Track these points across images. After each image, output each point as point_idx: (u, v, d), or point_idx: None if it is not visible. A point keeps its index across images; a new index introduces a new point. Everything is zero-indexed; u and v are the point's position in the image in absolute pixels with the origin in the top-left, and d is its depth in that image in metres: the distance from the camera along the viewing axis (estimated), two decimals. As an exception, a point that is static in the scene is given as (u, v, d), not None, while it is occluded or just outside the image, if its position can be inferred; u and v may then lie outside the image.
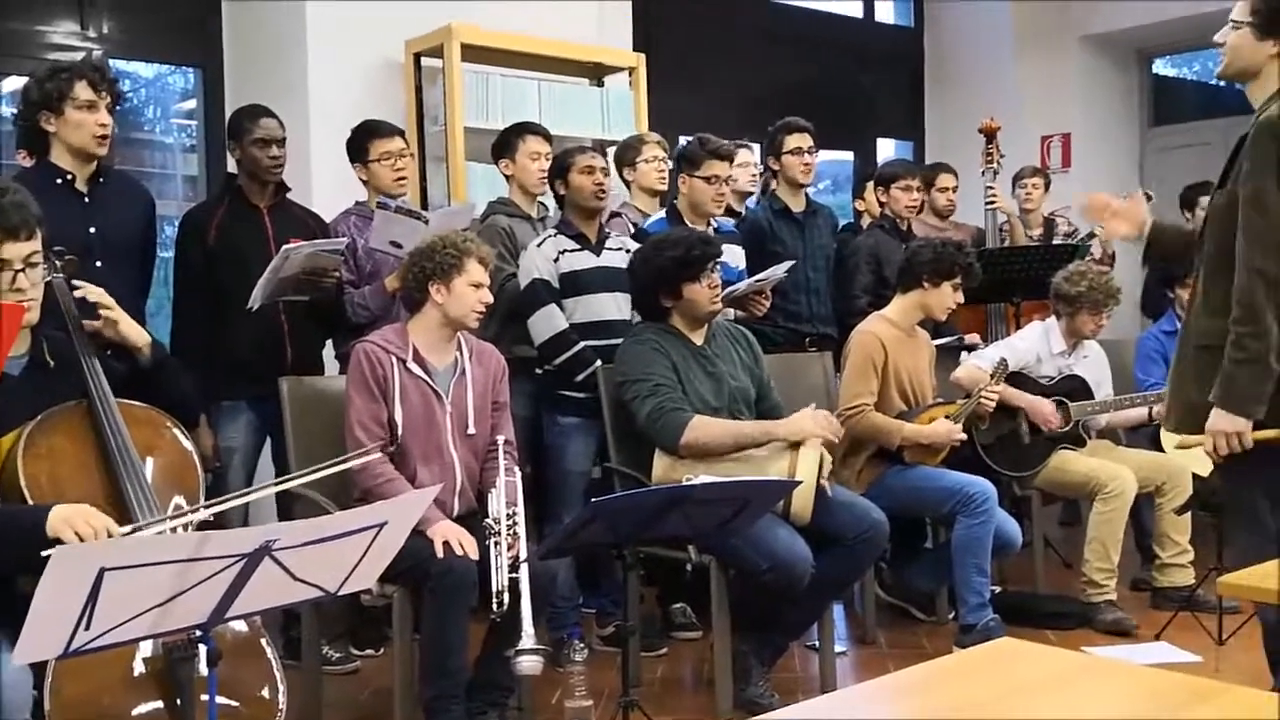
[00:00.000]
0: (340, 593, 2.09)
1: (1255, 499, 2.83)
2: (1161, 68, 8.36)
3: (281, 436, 3.59)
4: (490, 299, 3.38)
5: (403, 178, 4.19)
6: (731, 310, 4.29)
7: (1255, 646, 3.86)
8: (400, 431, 3.27)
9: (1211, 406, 2.78)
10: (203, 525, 2.46)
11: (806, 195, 4.98)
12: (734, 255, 4.39)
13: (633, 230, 4.43)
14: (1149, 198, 5.99)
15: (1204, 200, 6.27)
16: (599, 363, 3.91)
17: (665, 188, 4.66)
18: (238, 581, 1.90)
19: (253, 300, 3.62)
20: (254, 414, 3.91)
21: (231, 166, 4.10)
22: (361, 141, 4.19)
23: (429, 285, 3.31)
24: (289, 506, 3.61)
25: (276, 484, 2.66)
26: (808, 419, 3.55)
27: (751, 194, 5.35)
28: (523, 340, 4.04)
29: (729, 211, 4.93)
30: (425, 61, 5.00)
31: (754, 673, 3.56)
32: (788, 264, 4.41)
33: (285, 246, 3.58)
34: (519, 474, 3.35)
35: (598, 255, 4.07)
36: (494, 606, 2.99)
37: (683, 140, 4.56)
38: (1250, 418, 2.72)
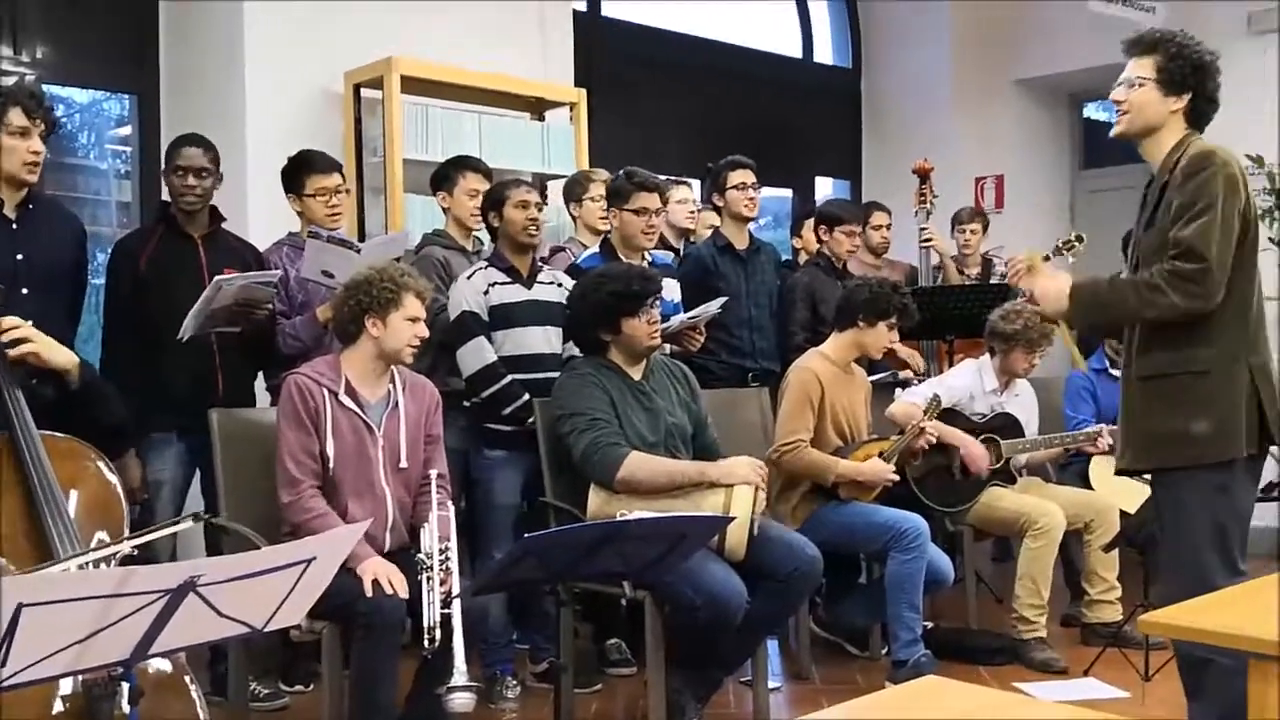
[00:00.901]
0: (267, 629, 2.06)
1: (1196, 538, 2.87)
2: (1092, 112, 8.55)
3: (211, 469, 3.54)
4: (426, 333, 3.36)
5: (337, 213, 4.16)
6: (666, 345, 4.30)
7: (1179, 682, 3.93)
8: (331, 465, 3.24)
9: (1170, 434, 2.87)
10: (128, 560, 2.41)
11: (750, 233, 5.02)
12: (669, 289, 4.41)
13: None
14: (1080, 240, 6.15)
15: None
16: (527, 396, 3.91)
17: (609, 226, 4.67)
18: (161, 618, 1.86)
19: (183, 331, 3.57)
20: (183, 446, 3.85)
21: (165, 194, 4.05)
22: (297, 174, 4.16)
23: (365, 318, 3.29)
24: (218, 541, 3.55)
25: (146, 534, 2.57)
26: (742, 465, 3.59)
27: (690, 230, 5.39)
28: (457, 372, 4.02)
29: (667, 248, 4.96)
30: (365, 93, 4.99)
31: (688, 709, 3.55)
32: (721, 300, 4.43)
33: (218, 278, 3.54)
34: (452, 508, 3.32)
35: (529, 289, 4.06)
36: (425, 643, 2.96)
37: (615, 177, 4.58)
38: (1062, 317, 3.01)
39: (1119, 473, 3.18)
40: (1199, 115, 2.97)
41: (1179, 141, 2.94)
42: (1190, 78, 2.92)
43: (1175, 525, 2.93)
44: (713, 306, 4.35)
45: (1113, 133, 3.06)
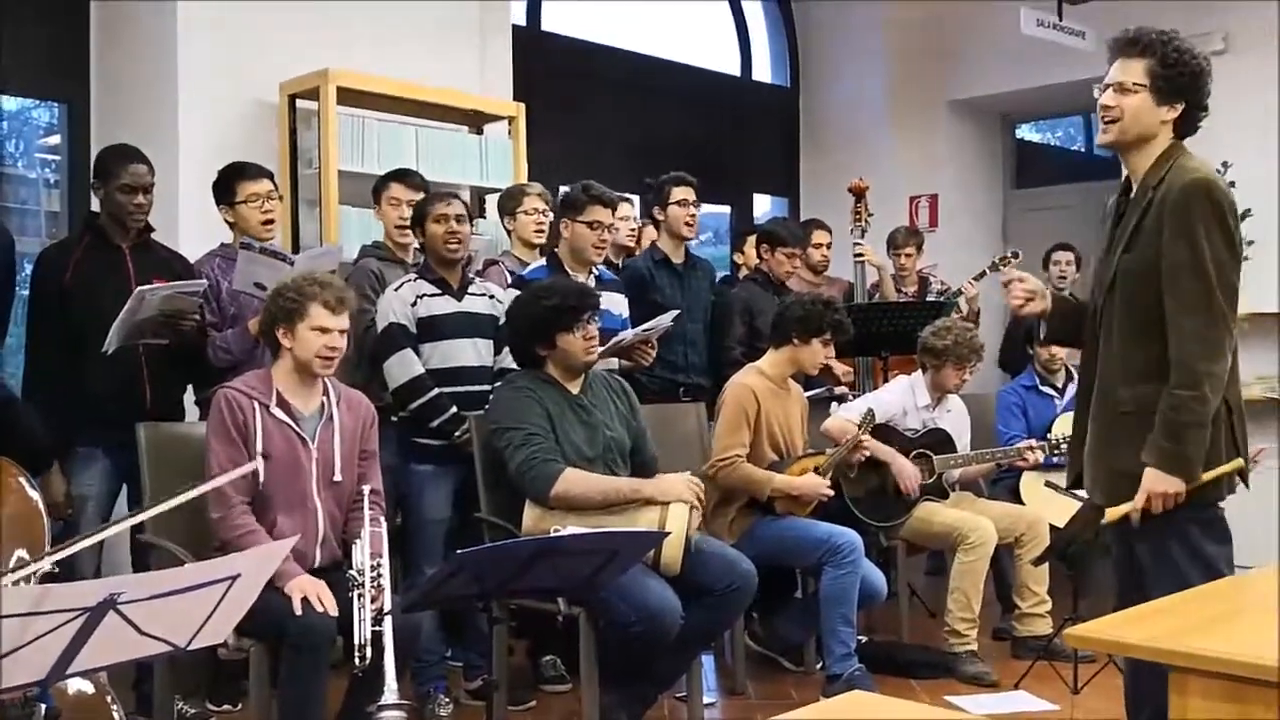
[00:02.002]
0: (191, 648, 2.02)
1: (1178, 553, 2.73)
2: (1025, 133, 8.70)
3: (138, 484, 3.47)
4: (338, 343, 3.26)
5: (270, 220, 4.11)
6: (616, 360, 4.29)
7: (1108, 695, 3.99)
8: (262, 477, 3.18)
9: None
10: (48, 577, 2.36)
11: (686, 248, 5.04)
12: (617, 304, 4.40)
13: (510, 279, 4.42)
14: (1016, 256, 6.29)
15: (1056, 256, 6.50)
16: (454, 409, 3.89)
17: (543, 240, 4.66)
18: (80, 636, 1.82)
19: (108, 343, 3.51)
20: (110, 461, 3.77)
21: (95, 204, 3.98)
22: (228, 183, 4.11)
23: (276, 330, 3.26)
24: (145, 558, 3.48)
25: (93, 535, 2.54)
26: (677, 482, 3.59)
27: (630, 247, 5.38)
28: (392, 388, 3.98)
29: (606, 264, 4.95)
30: (300, 104, 4.94)
31: (622, 725, 3.54)
32: (674, 313, 4.43)
33: (140, 288, 3.49)
34: (384, 524, 3.28)
35: (459, 301, 4.04)
36: (356, 660, 2.92)
37: (563, 190, 4.58)
38: (1192, 481, 2.66)
39: (1070, 488, 3.05)
40: (1189, 124, 2.76)
41: (1165, 153, 2.74)
42: (1187, 87, 2.71)
43: (1164, 562, 2.73)
44: (666, 319, 4.35)
45: (1100, 141, 2.81)
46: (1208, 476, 2.67)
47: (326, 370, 3.28)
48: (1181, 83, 2.70)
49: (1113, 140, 2.78)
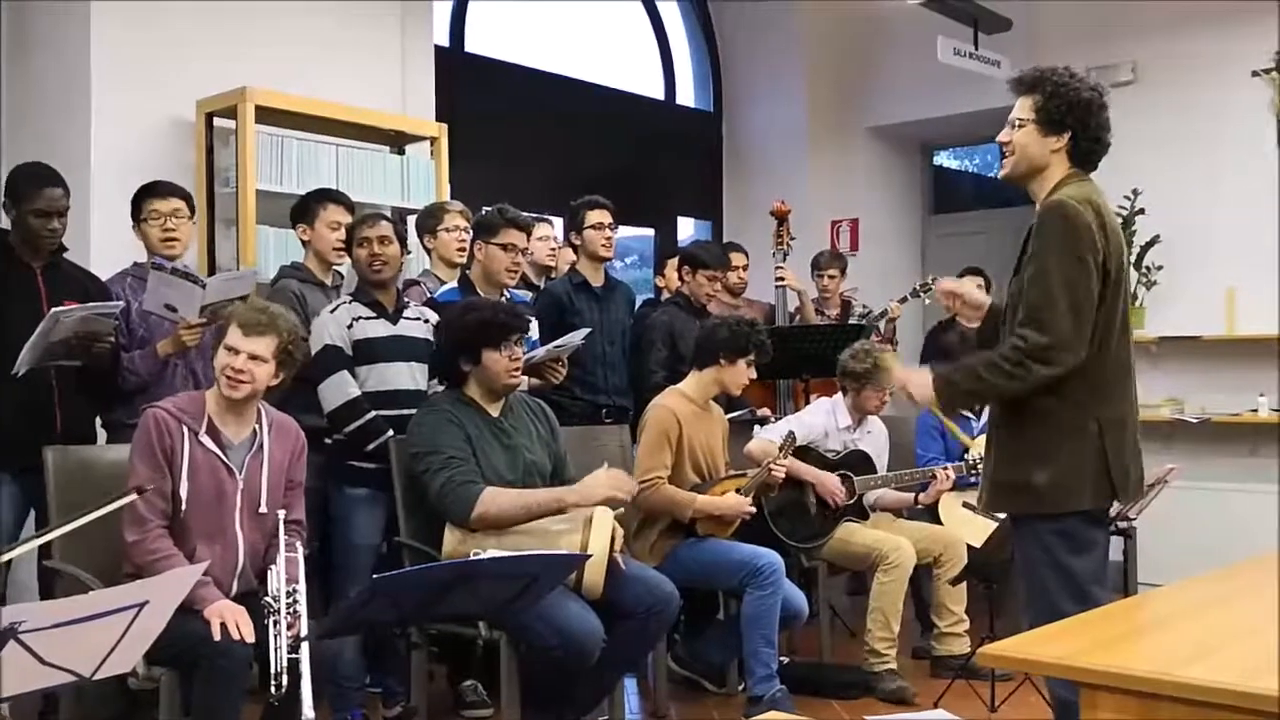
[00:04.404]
0: (96, 677, 1.97)
1: (1046, 584, 2.85)
2: (943, 159, 8.86)
3: (46, 510, 3.37)
4: (245, 366, 3.14)
5: (172, 239, 3.99)
6: (526, 378, 4.28)
7: (1025, 712, 4.05)
8: (184, 506, 3.10)
9: (1010, 482, 2.87)
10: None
11: (606, 271, 5.05)
12: None
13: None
14: (935, 280, 6.36)
15: (965, 280, 6.65)
16: (390, 432, 3.85)
17: (465, 259, 4.64)
18: (-22, 667, 1.77)
19: (19, 365, 3.41)
20: (17, 486, 3.66)
21: (4, 222, 3.88)
22: (138, 200, 4.03)
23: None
24: (51, 584, 3.38)
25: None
26: (599, 481, 3.57)
27: (550, 267, 5.39)
28: (313, 409, 3.91)
29: (527, 285, 4.95)
30: (218, 122, 4.87)
31: (543, 750, 3.51)
32: (584, 331, 4.44)
33: (54, 310, 3.40)
34: (301, 550, 3.21)
35: (394, 324, 4.00)
36: (272, 688, 2.87)
37: (484, 211, 4.57)
38: (927, 402, 3.04)
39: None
40: (1084, 154, 2.89)
41: (1060, 182, 2.87)
42: (1068, 116, 2.84)
43: (1028, 570, 2.92)
44: (576, 338, 4.35)
45: (999, 174, 2.98)
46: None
47: (232, 393, 3.16)
48: (1062, 113, 2.85)
49: (1008, 173, 2.96)
